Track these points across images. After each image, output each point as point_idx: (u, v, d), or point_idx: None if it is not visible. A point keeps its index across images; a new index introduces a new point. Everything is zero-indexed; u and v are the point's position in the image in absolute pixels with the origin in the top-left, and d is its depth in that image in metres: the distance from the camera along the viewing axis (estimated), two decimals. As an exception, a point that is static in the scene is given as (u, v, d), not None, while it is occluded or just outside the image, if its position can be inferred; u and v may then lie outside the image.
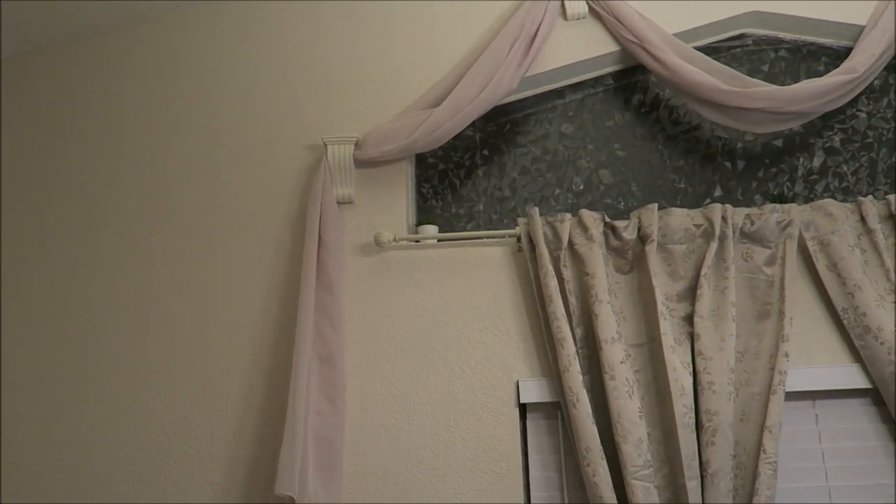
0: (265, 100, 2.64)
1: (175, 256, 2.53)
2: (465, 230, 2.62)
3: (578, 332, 2.21)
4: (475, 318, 2.36)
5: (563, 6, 2.59)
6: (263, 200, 2.54)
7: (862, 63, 2.38)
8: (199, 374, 2.41)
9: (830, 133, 2.56)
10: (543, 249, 2.26)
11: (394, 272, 2.45)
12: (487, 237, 2.44)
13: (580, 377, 2.11)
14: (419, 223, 2.55)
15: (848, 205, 2.27)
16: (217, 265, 2.50)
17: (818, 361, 2.17)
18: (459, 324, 2.36)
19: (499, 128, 2.70)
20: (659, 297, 2.18)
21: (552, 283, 2.21)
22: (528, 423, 2.28)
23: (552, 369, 2.21)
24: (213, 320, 2.46)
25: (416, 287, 2.41)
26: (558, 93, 2.70)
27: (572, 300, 2.23)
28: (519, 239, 2.35)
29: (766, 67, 2.65)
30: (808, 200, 2.44)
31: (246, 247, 2.51)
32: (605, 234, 2.30)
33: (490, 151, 2.69)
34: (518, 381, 2.28)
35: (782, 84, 2.56)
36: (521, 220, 2.35)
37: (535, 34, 2.50)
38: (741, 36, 2.67)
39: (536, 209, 2.31)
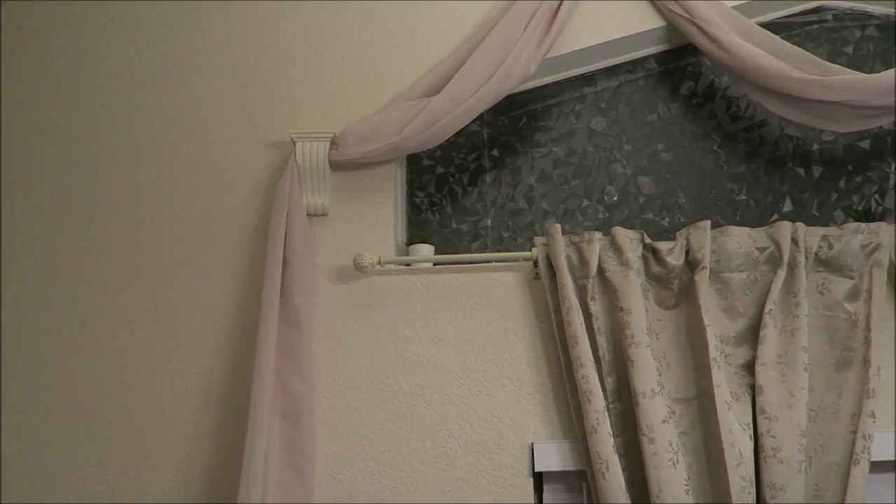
0: (215, 85, 2.64)
1: (104, 285, 2.54)
2: (468, 251, 2.61)
3: (610, 382, 2.21)
4: (479, 364, 2.36)
5: (593, -30, 2.61)
6: (213, 213, 2.54)
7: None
8: (134, 433, 2.45)
9: (931, 133, 2.58)
10: (567, 277, 2.26)
11: (378, 304, 2.43)
12: (497, 261, 2.44)
13: (611, 440, 2.10)
14: (410, 242, 2.55)
15: (953, 224, 2.26)
16: (155, 294, 2.52)
17: (912, 423, 2.16)
18: (459, 370, 2.36)
19: (512, 122, 2.70)
20: (711, 340, 2.16)
21: (577, 321, 2.20)
22: (545, 496, 2.27)
23: (576, 429, 2.22)
24: (151, 363, 2.48)
25: (406, 323, 2.41)
26: (588, 79, 2.70)
27: (602, 342, 2.23)
28: (536, 263, 2.34)
29: (849, 49, 2.64)
30: (901, 218, 2.46)
31: (190, 272, 2.51)
32: (645, 259, 2.29)
33: (501, 152, 2.69)
34: (533, 444, 2.28)
35: (870, 71, 2.55)
36: (538, 240, 2.34)
37: (559, 6, 2.49)
38: (818, 9, 2.66)
39: (559, 226, 2.31)
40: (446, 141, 2.53)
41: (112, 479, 2.42)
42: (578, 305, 2.24)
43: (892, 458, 2.15)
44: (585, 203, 2.63)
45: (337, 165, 2.52)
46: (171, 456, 2.42)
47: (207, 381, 2.45)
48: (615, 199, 2.62)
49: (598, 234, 2.29)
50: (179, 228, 2.56)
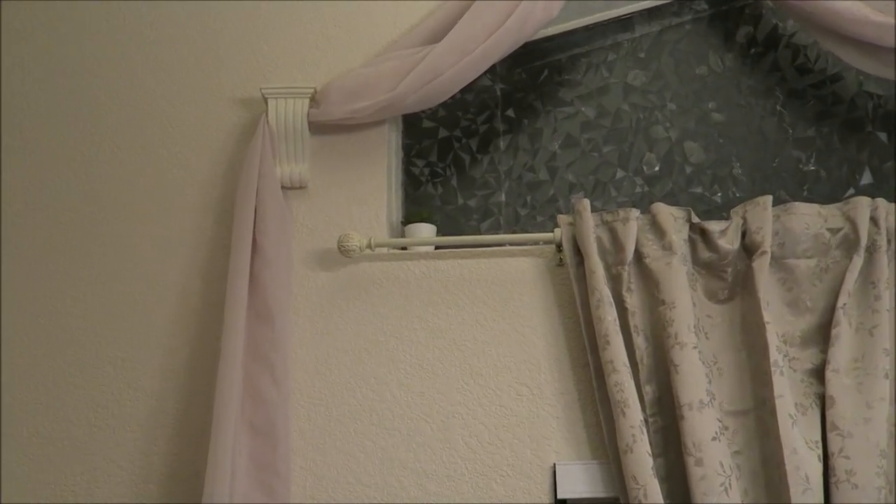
0: (168, 31, 2.65)
1: (34, 271, 2.56)
2: (477, 232, 2.62)
3: (648, 391, 2.21)
4: (490, 368, 2.37)
5: None
6: (166, 187, 2.56)
7: None
8: (72, 448, 2.45)
9: None
10: (597, 264, 2.26)
11: (367, 295, 2.44)
12: (512, 244, 2.45)
13: (650, 460, 2.10)
14: (408, 220, 2.55)
15: None
16: (97, 285, 2.53)
17: None
18: (466, 376, 2.37)
19: (531, 76, 2.70)
20: (773, 340, 2.16)
21: (609, 317, 2.20)
22: (570, 529, 2.31)
23: (607, 448, 2.21)
24: (92, 366, 2.48)
25: (402, 319, 2.42)
26: (623, 24, 2.70)
27: (640, 342, 2.23)
28: (559, 247, 2.35)
29: (942, -13, 2.64)
30: None
31: (140, 258, 2.53)
32: (692, 242, 2.29)
33: (517, 112, 2.69)
34: (555, 466, 2.28)
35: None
36: (563, 219, 2.35)
37: (589, -66, 2.51)
38: (904, -62, 2.67)
39: (587, 202, 2.31)
40: (451, 98, 2.52)
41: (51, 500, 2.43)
42: (611, 298, 2.23)
43: None
44: (620, 174, 2.63)
45: (318, 128, 2.52)
46: (116, 476, 2.42)
47: (161, 387, 2.45)
48: (656, 169, 2.62)
49: (635, 212, 2.29)
50: (127, 205, 2.57)
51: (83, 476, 2.43)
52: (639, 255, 2.28)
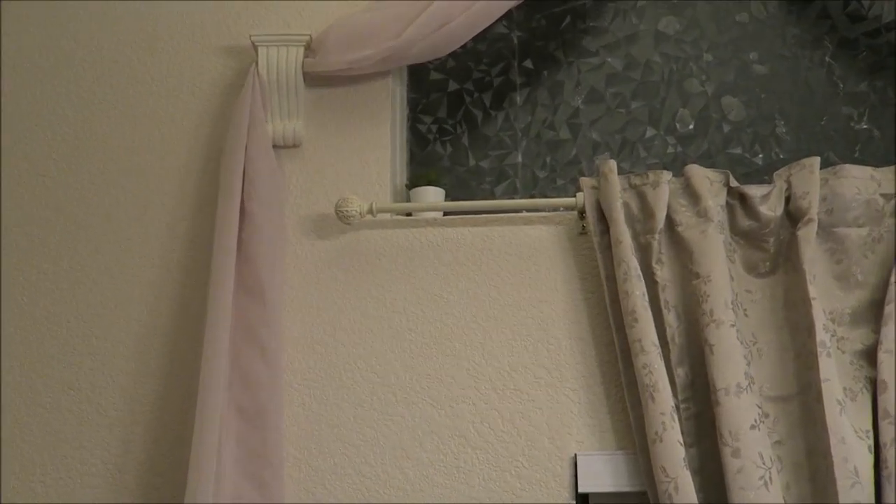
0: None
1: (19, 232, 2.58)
2: (490, 197, 2.64)
3: (681, 374, 2.22)
4: (505, 348, 2.38)
5: None
6: (145, 146, 2.57)
7: None
8: (45, 437, 2.46)
9: None
10: (624, 232, 2.26)
11: (368, 267, 2.45)
12: (529, 210, 2.46)
13: (682, 451, 2.11)
14: (413, 184, 2.55)
15: None
16: (71, 253, 2.54)
17: None
18: (478, 357, 2.38)
19: (552, 23, 2.70)
20: (819, 318, 2.15)
21: (637, 290, 2.21)
22: (592, 525, 2.31)
23: (634, 437, 2.22)
24: (65, 343, 2.49)
25: (406, 292, 2.44)
26: (654, -36, 2.71)
27: (671, 319, 2.24)
28: (582, 213, 2.36)
29: None
30: None
31: (115, 227, 2.54)
32: (730, 208, 2.29)
33: (536, 63, 2.70)
34: (576, 457, 2.29)
35: None
36: (586, 183, 2.35)
37: None
38: None
39: (614, 163, 2.31)
40: (462, 47, 2.52)
41: (17, 496, 2.44)
42: (640, 271, 2.24)
43: None
44: (650, 133, 2.63)
45: (314, 79, 2.52)
46: (93, 464, 2.43)
47: (139, 368, 2.46)
48: (690, 127, 2.62)
49: (667, 175, 2.29)
50: (100, 169, 2.58)
51: (59, 468, 2.44)
52: (670, 223, 2.28)
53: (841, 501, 2.04)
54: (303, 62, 2.49)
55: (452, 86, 2.70)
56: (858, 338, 2.21)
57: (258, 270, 2.34)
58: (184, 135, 2.56)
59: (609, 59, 2.67)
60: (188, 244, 2.50)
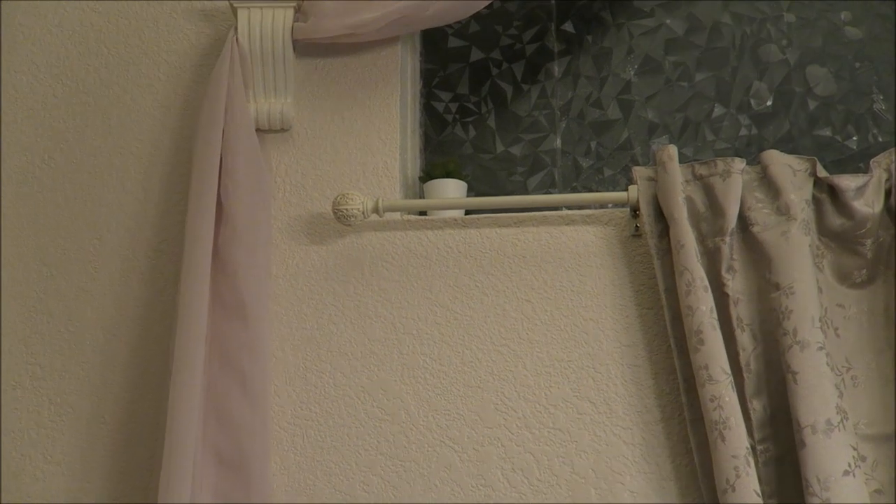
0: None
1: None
2: (522, 191, 2.64)
3: (757, 407, 2.22)
4: (541, 377, 2.39)
5: None
6: (103, 130, 2.59)
7: None
8: None
9: None
10: (687, 233, 2.26)
11: (373, 277, 2.47)
12: (570, 206, 2.47)
13: (759, 501, 2.10)
14: (429, 176, 2.55)
15: None
16: (18, 256, 2.55)
17: None
18: (508, 387, 2.39)
19: (597, -24, 2.72)
20: (928, 340, 2.14)
21: (704, 305, 2.20)
22: None
23: (700, 485, 2.22)
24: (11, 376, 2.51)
25: (420, 309, 2.45)
26: None
27: (745, 340, 2.24)
28: (636, 211, 2.37)
29: None
30: None
31: (68, 227, 2.56)
32: (817, 204, 2.29)
33: (578, 25, 2.70)
34: (629, 509, 2.30)
35: None
36: (640, 173, 2.36)
37: None
38: None
39: (674, 148, 2.32)
40: (487, 7, 2.53)
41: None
42: (706, 281, 2.23)
43: None
44: (719, 111, 2.63)
45: (307, 48, 2.54)
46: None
47: (94, 404, 2.48)
48: (769, 104, 2.62)
49: (740, 163, 2.29)
50: (47, 158, 2.60)
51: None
52: (744, 222, 2.27)
53: (956, 565, 2.05)
54: (292, 27, 2.49)
55: (476, 55, 2.71)
56: (979, 365, 2.21)
57: (238, 283, 2.34)
58: (146, 118, 2.58)
59: (667, 21, 2.67)
60: (152, 252, 2.52)
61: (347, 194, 2.40)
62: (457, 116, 2.69)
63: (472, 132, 2.68)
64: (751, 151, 2.45)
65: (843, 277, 2.28)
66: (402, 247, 2.46)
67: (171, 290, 2.41)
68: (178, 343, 2.27)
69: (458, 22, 2.62)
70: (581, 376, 2.36)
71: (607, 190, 2.56)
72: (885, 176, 2.26)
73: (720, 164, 2.29)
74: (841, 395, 2.14)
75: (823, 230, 2.28)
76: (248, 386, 2.31)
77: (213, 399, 2.31)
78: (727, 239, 2.25)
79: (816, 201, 2.28)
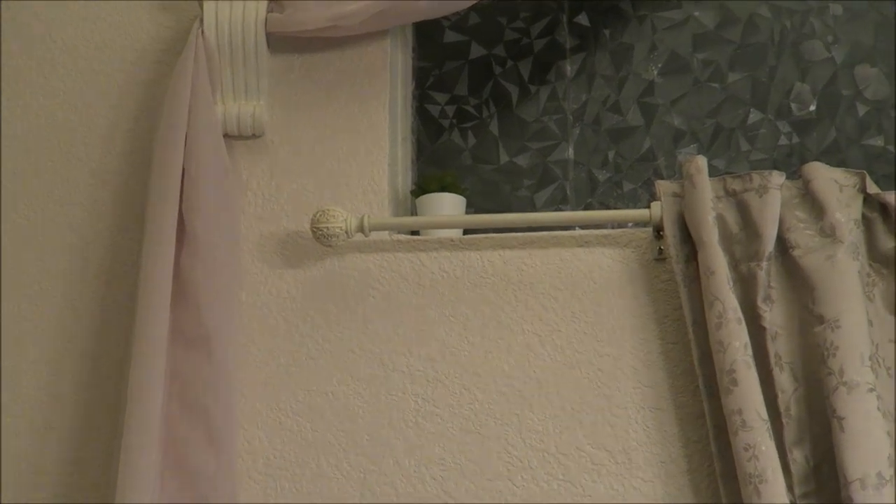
0: None
1: None
2: (530, 208, 2.65)
3: (798, 458, 2.19)
4: (551, 422, 2.38)
5: None
6: (50, 135, 2.59)
7: None
8: None
9: None
10: (718, 258, 2.25)
11: (358, 307, 2.47)
12: (584, 226, 2.46)
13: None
14: (422, 189, 2.54)
15: None
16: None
17: None
18: (513, 434, 2.38)
19: (614, -41, 2.71)
20: None
21: (737, 341, 2.19)
22: None
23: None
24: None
25: (411, 343, 2.45)
26: None
27: (785, 381, 2.23)
28: (659, 231, 2.36)
29: None
30: None
31: (9, 241, 2.55)
32: (868, 224, 2.29)
33: (594, 18, 2.70)
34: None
35: None
36: (664, 188, 2.36)
37: None
38: None
39: (703, 160, 2.31)
40: (488, -5, 2.52)
41: None
42: (740, 312, 2.21)
43: None
44: (755, 117, 2.62)
45: (282, 43, 2.55)
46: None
47: (35, 450, 2.47)
48: (812, 109, 2.61)
49: (779, 177, 2.28)
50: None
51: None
52: (784, 245, 2.27)
53: None
54: (266, 19, 2.49)
55: (477, 51, 2.72)
56: None
57: (202, 313, 2.33)
58: (98, 121, 2.59)
59: (696, 14, 2.68)
60: (103, 276, 2.52)
61: (328, 210, 2.40)
62: (454, 121, 2.71)
63: (472, 139, 2.69)
64: (791, 163, 2.46)
65: (899, 309, 2.27)
66: (390, 271, 2.47)
67: (124, 321, 2.41)
68: (132, 381, 2.27)
69: (457, 13, 2.65)
70: (596, 421, 2.35)
71: (627, 207, 2.58)
72: (952, 192, 2.25)
73: (756, 179, 2.28)
74: (894, 445, 2.12)
75: (874, 254, 2.28)
76: (213, 431, 2.31)
77: (173, 445, 2.30)
78: (764, 264, 2.24)
79: (866, 221, 2.28)
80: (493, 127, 2.69)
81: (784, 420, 2.19)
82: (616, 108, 2.65)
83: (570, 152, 2.65)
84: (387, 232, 2.47)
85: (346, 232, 2.39)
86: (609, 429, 2.34)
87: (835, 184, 2.26)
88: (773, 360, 2.21)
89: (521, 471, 2.34)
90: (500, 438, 2.36)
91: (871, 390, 2.12)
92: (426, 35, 2.72)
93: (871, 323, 2.20)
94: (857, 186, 2.27)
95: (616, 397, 2.35)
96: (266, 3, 2.50)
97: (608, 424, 2.34)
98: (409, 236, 2.48)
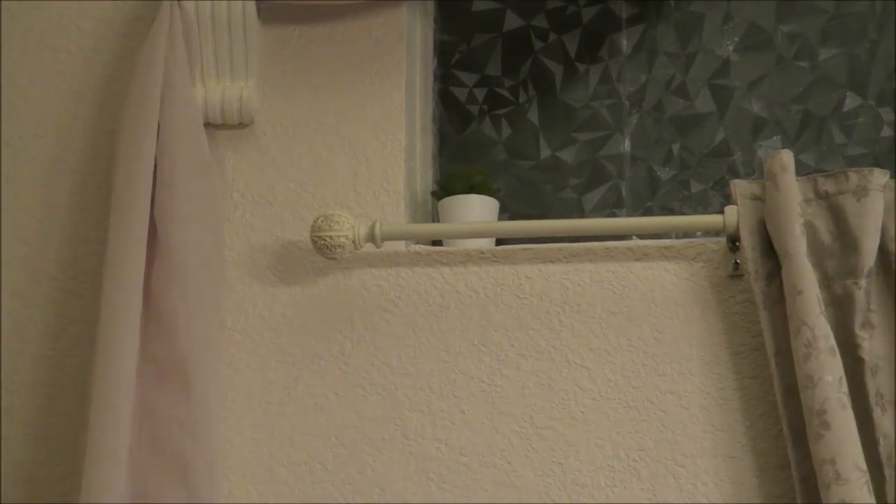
0: None
1: None
2: (577, 213, 2.65)
3: None
4: (603, 472, 2.39)
5: None
6: (1, 122, 2.59)
7: None
8: None
9: None
10: (806, 274, 2.26)
11: (367, 333, 2.48)
12: (643, 235, 2.48)
13: None
14: (445, 190, 2.55)
15: None
16: None
17: None
18: (556, 487, 2.39)
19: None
20: None
21: (829, 375, 2.19)
22: None
23: None
24: None
25: (431, 376, 2.46)
26: None
27: (888, 423, 2.23)
28: (735, 242, 2.38)
29: None
30: None
31: None
32: None
33: None
34: None
35: None
36: (741, 189, 2.38)
37: None
38: None
39: (789, 155, 2.33)
40: (527, -43, 2.55)
41: None
42: (833, 340, 2.23)
43: None
44: (852, 102, 2.64)
45: (276, 13, 2.57)
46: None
47: None
48: (924, 95, 2.61)
49: (882, 176, 2.30)
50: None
51: None
52: (887, 259, 2.29)
53: None
54: (255, -12, 2.50)
55: (512, 21, 2.73)
56: None
57: (178, 340, 2.34)
58: (51, 108, 2.62)
59: (779, -17, 2.66)
60: (58, 295, 2.55)
61: (332, 216, 2.40)
62: (485, 108, 2.72)
63: (507, 130, 2.71)
64: (894, 162, 2.43)
65: None
66: (407, 289, 2.47)
67: (83, 350, 2.43)
68: (93, 422, 2.27)
69: (485, -21, 2.61)
70: (657, 472, 2.36)
71: (695, 212, 2.58)
72: None
73: (853, 178, 2.29)
74: None
75: None
76: (191, 482, 2.31)
77: (143, 498, 2.30)
78: (863, 282, 2.25)
79: None
80: (533, 114, 2.70)
81: (887, 472, 2.18)
82: (682, 91, 2.67)
83: (627, 145, 2.66)
84: (403, 242, 2.48)
85: (354, 242, 2.40)
86: (673, 481, 2.34)
87: (953, 186, 2.26)
88: (873, 398, 2.21)
89: (569, 528, 2.35)
90: (539, 492, 2.37)
91: None
92: (451, 2, 2.73)
93: None
94: (980, 186, 2.27)
95: (682, 444, 2.36)
96: (254, -32, 2.49)
97: (672, 476, 2.35)
98: (430, 247, 2.49)
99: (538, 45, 2.72)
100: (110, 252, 2.35)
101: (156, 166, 2.38)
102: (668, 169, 2.64)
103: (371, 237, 2.41)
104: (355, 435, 2.42)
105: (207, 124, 2.50)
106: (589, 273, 2.44)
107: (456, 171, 2.61)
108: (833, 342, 2.20)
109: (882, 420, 2.20)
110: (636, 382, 2.39)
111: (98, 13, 2.62)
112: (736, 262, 2.37)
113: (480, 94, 2.71)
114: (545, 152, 2.67)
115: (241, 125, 2.55)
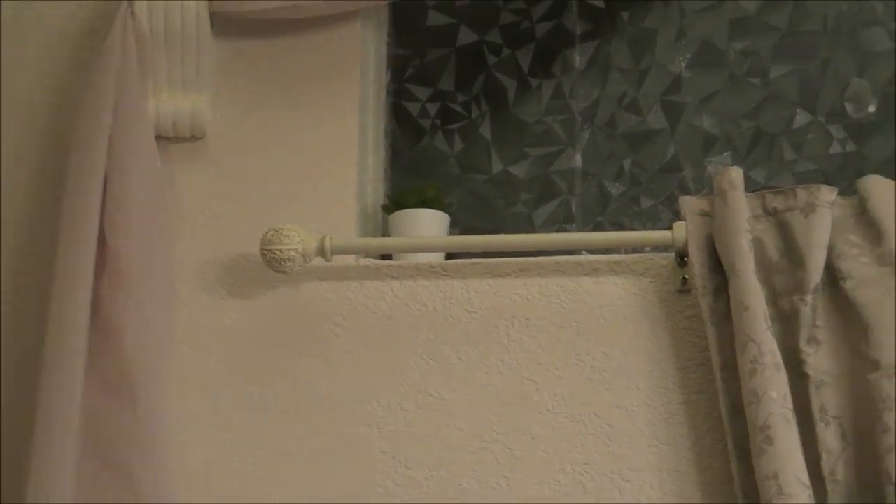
0: None
1: None
2: (528, 228, 2.67)
3: None
4: (552, 487, 2.39)
5: None
6: None
7: None
8: None
9: None
10: (753, 290, 2.27)
11: (317, 346, 2.49)
12: (593, 251, 2.47)
13: None
14: (396, 205, 2.56)
15: None
16: None
17: None
18: (503, 498, 2.39)
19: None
20: None
21: (774, 390, 2.20)
22: None
23: None
24: None
25: (382, 391, 2.46)
26: None
27: (831, 439, 2.24)
28: (683, 258, 2.40)
29: None
30: None
31: None
32: None
33: None
34: None
35: None
36: (690, 204, 2.40)
37: None
38: None
39: (739, 171, 2.35)
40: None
41: None
42: (779, 357, 2.24)
43: None
44: (802, 119, 2.65)
45: (230, 26, 2.57)
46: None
47: None
48: (871, 110, 2.63)
49: (830, 192, 2.32)
50: None
51: None
52: (833, 276, 2.30)
53: None
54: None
55: (466, 37, 2.74)
56: None
57: (126, 353, 2.34)
58: (2, 118, 2.60)
59: (744, -7, 2.67)
60: (6, 307, 2.54)
61: (282, 230, 2.41)
62: (437, 122, 2.72)
63: (459, 144, 2.72)
64: (845, 176, 2.47)
65: (973, 355, 2.28)
66: (357, 303, 2.48)
67: (28, 362, 2.42)
68: (37, 438, 2.27)
69: (443, -10, 2.62)
70: (603, 486, 2.37)
71: (645, 228, 2.59)
72: None
73: (802, 195, 2.31)
74: (962, 517, 2.16)
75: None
76: (140, 495, 2.30)
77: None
78: (809, 298, 2.27)
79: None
80: (485, 129, 2.71)
81: (829, 486, 2.20)
82: (634, 107, 2.68)
83: (578, 160, 2.67)
84: (353, 256, 2.49)
85: (304, 255, 2.41)
86: (618, 495, 2.36)
87: (896, 202, 2.28)
88: (817, 414, 2.23)
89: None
90: (491, 513, 2.37)
91: (940, 455, 2.15)
92: (405, 17, 2.74)
93: (940, 372, 2.22)
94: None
95: (628, 458, 2.37)
96: (208, -21, 2.50)
97: (617, 490, 2.36)
98: (380, 261, 2.50)
99: (492, 60, 2.73)
100: (59, 265, 2.35)
101: (106, 179, 2.37)
102: (618, 184, 2.65)
103: (321, 251, 2.42)
104: (304, 450, 2.43)
105: (159, 137, 2.50)
106: (538, 287, 2.45)
107: (409, 184, 2.64)
108: (779, 358, 2.22)
109: (825, 435, 2.22)
110: (584, 397, 2.40)
111: (51, 22, 2.65)
112: (684, 278, 2.39)
113: (433, 108, 2.72)
114: (497, 167, 2.69)
115: (194, 138, 2.54)
